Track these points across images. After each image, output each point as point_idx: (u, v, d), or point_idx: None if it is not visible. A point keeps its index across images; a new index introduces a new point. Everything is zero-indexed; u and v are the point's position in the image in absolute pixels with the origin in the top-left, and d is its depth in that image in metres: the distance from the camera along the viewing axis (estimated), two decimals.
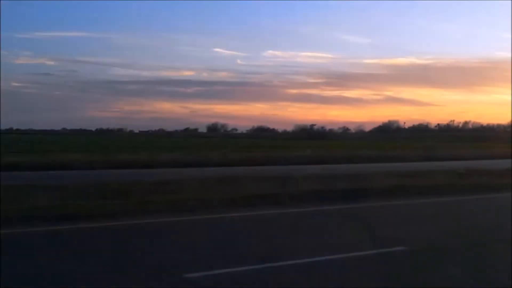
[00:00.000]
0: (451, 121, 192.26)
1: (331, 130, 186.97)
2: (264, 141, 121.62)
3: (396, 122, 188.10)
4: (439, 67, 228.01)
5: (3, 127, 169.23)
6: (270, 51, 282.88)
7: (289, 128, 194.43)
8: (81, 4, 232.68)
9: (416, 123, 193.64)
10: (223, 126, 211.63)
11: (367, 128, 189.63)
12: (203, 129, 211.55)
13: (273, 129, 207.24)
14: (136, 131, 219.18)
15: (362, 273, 10.65)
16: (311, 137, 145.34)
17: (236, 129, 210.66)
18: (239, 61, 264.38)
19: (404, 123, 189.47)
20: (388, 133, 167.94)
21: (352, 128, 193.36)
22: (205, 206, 18.77)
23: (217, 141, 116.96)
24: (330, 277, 10.40)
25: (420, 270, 10.95)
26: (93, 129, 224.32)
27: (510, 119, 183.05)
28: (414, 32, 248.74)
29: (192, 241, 13.94)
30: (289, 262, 11.33)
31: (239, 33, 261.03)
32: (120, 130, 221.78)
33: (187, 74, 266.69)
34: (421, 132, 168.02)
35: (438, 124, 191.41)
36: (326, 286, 9.88)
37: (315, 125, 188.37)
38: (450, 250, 12.84)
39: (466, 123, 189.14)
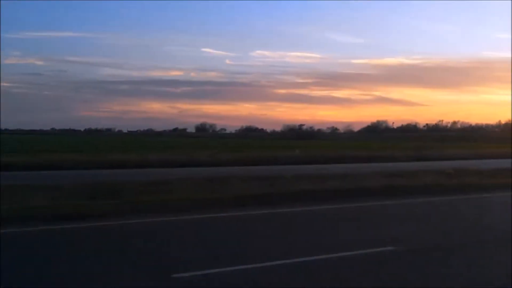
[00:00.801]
0: (439, 121, 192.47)
1: (319, 130, 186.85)
2: (253, 141, 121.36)
3: (384, 122, 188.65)
4: (428, 67, 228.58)
5: None
6: (259, 51, 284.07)
7: (278, 128, 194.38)
8: (70, 4, 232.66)
9: (404, 123, 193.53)
10: (211, 126, 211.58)
11: (356, 128, 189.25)
12: (191, 129, 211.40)
13: (262, 129, 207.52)
14: (125, 131, 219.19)
15: (352, 273, 10.69)
16: (299, 137, 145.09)
17: (224, 129, 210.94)
18: (227, 61, 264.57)
19: (393, 123, 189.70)
20: (377, 133, 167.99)
21: (341, 128, 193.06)
22: (196, 206, 18.79)
23: (206, 141, 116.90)
24: (320, 277, 10.42)
25: (410, 270, 11.01)
26: (82, 129, 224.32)
27: (498, 119, 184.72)
28: (403, 32, 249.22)
29: (182, 241, 13.97)
30: (279, 262, 11.34)
31: (227, 33, 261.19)
32: (108, 130, 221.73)
33: (176, 74, 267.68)
34: (409, 132, 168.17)
35: (427, 124, 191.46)
36: (316, 286, 9.93)
37: (303, 125, 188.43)
38: (441, 250, 12.90)
39: (454, 123, 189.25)
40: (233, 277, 10.32)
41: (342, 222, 17.19)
